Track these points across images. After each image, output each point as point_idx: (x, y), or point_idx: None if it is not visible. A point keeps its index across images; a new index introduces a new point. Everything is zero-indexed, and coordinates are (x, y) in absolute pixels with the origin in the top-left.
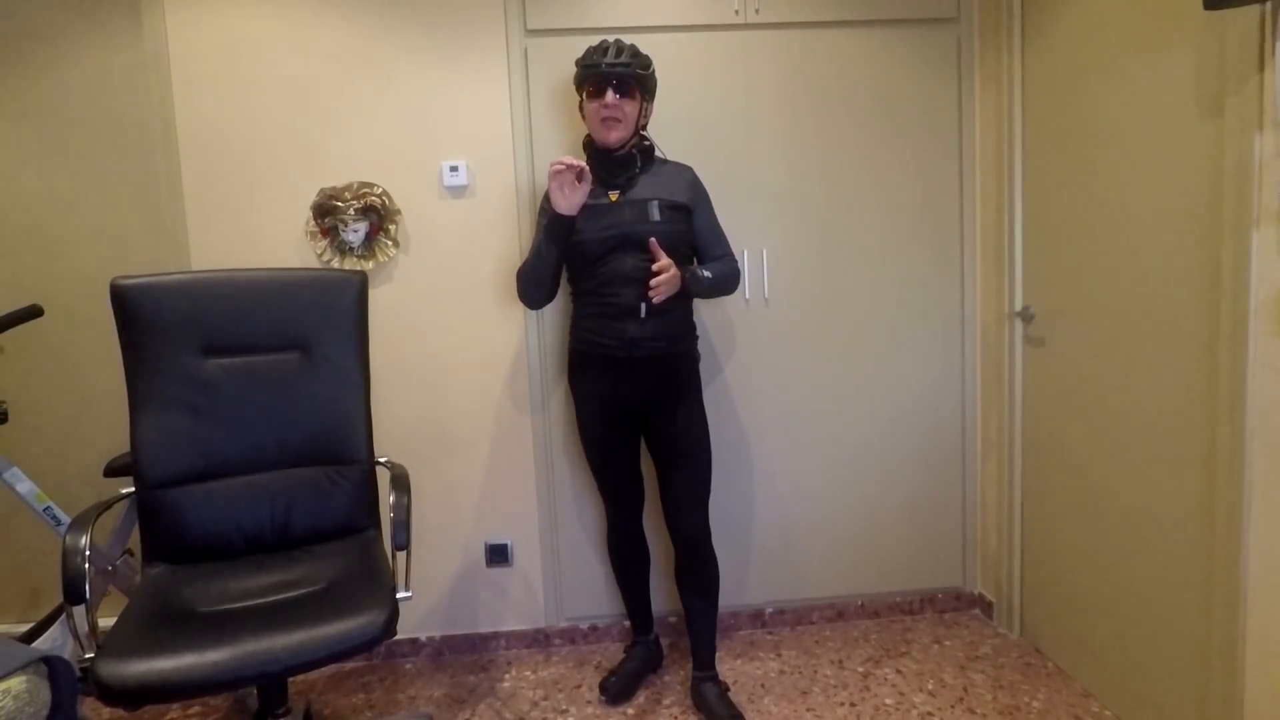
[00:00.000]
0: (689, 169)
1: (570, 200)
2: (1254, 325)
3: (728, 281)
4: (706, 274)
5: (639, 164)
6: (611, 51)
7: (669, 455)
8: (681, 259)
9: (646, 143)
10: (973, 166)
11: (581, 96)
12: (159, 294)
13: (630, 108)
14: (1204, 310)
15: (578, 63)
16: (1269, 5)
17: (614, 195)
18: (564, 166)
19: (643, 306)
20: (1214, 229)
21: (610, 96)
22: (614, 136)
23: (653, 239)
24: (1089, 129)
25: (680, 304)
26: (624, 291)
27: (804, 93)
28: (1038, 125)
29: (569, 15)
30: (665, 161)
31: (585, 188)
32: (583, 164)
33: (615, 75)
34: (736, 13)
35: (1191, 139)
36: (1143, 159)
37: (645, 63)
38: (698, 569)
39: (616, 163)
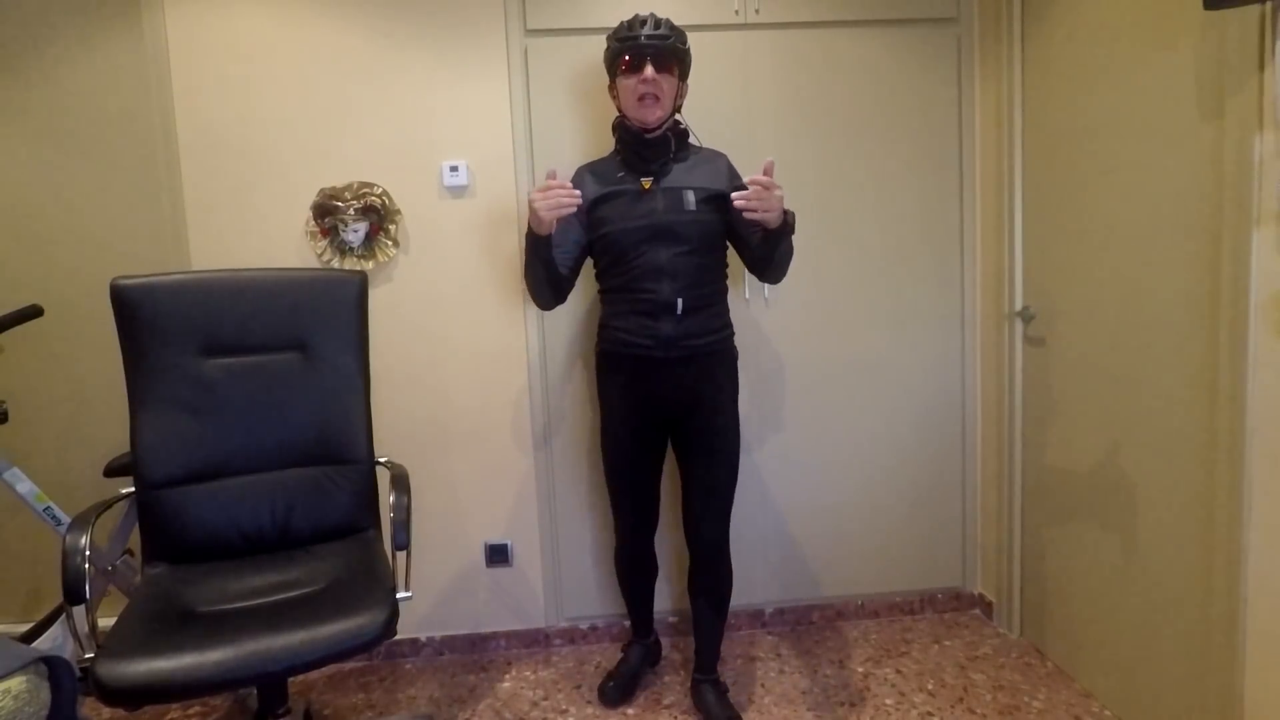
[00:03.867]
0: (723, 155)
1: (551, 217)
2: (1254, 325)
3: (791, 251)
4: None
5: (673, 149)
6: (650, 23)
7: (699, 462)
8: (716, 251)
9: (681, 126)
10: (973, 166)
11: (614, 75)
12: (159, 294)
13: (668, 85)
14: (1204, 310)
15: (611, 37)
16: (1269, 5)
17: (646, 182)
18: (555, 187)
19: (679, 302)
20: (1214, 229)
21: (649, 71)
22: (652, 115)
23: (770, 160)
24: (1089, 129)
25: (718, 298)
26: (659, 287)
27: (804, 93)
28: (1038, 125)
29: (569, 15)
30: (699, 148)
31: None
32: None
33: (654, 48)
34: (736, 13)
35: (1191, 139)
36: (1143, 159)
37: (683, 37)
38: (714, 579)
39: (650, 146)
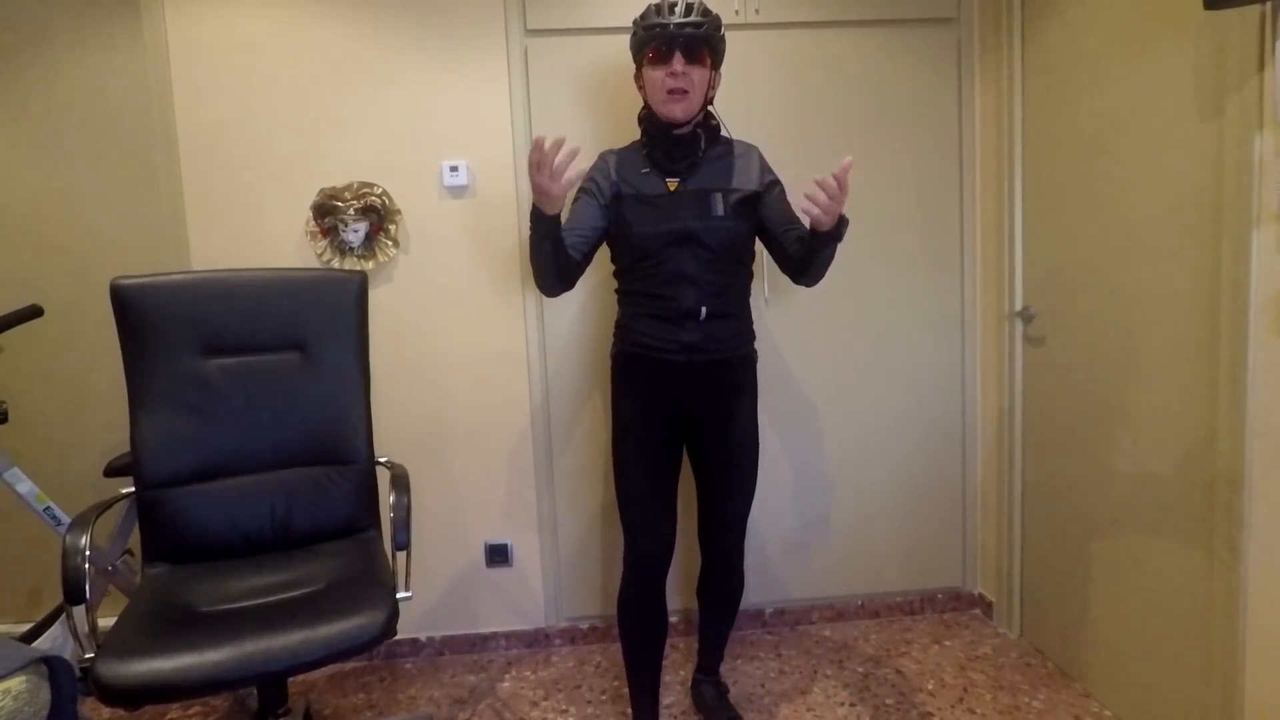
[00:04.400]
0: (755, 149)
1: (560, 190)
2: (1254, 325)
3: (833, 256)
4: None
5: (703, 146)
6: (680, 8)
7: (720, 468)
8: (743, 257)
9: (713, 121)
10: (973, 166)
11: (640, 64)
12: (159, 294)
13: (699, 76)
14: (1204, 310)
15: (637, 23)
16: (1269, 5)
17: (672, 184)
18: (547, 150)
19: (703, 310)
20: (1214, 229)
21: (678, 62)
22: (680, 110)
23: (848, 158)
24: (1089, 129)
25: (742, 303)
26: (682, 294)
27: (804, 93)
28: (1038, 125)
29: (569, 15)
30: (731, 142)
31: (573, 171)
32: (561, 143)
33: (684, 36)
34: (736, 13)
35: (1191, 139)
36: (1143, 159)
37: (717, 23)
38: (727, 585)
39: (677, 144)
